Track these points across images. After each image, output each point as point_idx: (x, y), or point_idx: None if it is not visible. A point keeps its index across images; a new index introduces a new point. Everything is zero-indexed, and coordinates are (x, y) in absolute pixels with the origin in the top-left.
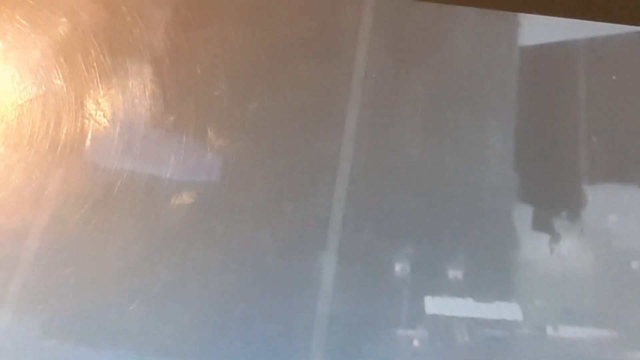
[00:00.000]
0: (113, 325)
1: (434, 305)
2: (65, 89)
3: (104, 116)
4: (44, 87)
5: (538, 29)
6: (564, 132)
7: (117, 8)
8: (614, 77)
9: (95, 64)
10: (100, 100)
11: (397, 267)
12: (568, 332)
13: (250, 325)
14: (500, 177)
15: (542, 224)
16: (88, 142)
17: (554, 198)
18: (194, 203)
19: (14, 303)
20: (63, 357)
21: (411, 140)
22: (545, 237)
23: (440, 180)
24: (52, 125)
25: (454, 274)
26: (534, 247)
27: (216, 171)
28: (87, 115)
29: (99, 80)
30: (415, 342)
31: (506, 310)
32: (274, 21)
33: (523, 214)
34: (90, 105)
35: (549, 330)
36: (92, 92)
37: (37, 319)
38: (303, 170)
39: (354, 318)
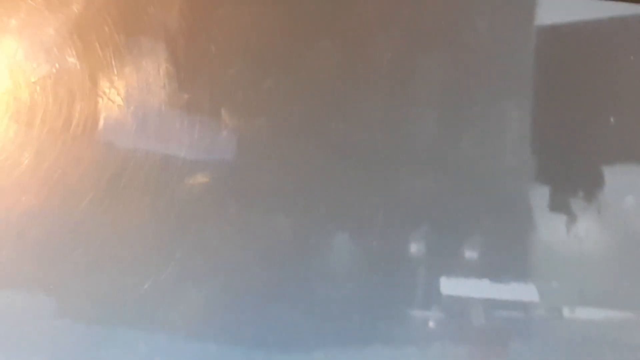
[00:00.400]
0: (126, 304)
1: (450, 286)
2: (79, 67)
3: (118, 95)
4: (57, 66)
5: (556, 9)
6: (582, 112)
7: None
8: (632, 58)
9: (109, 42)
10: (114, 78)
11: (413, 249)
12: (584, 313)
13: (263, 306)
14: (517, 158)
15: (559, 205)
16: (101, 121)
17: (571, 179)
18: (208, 183)
19: (27, 283)
20: (77, 336)
21: (428, 121)
22: (562, 218)
23: (457, 161)
24: (66, 104)
25: (471, 255)
26: (550, 228)
27: (230, 150)
28: (101, 93)
29: (113, 58)
30: (431, 323)
31: (523, 292)
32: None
33: (540, 195)
34: (104, 84)
35: (566, 311)
36: (106, 70)
37: (50, 299)
38: (318, 150)
39: (370, 299)
